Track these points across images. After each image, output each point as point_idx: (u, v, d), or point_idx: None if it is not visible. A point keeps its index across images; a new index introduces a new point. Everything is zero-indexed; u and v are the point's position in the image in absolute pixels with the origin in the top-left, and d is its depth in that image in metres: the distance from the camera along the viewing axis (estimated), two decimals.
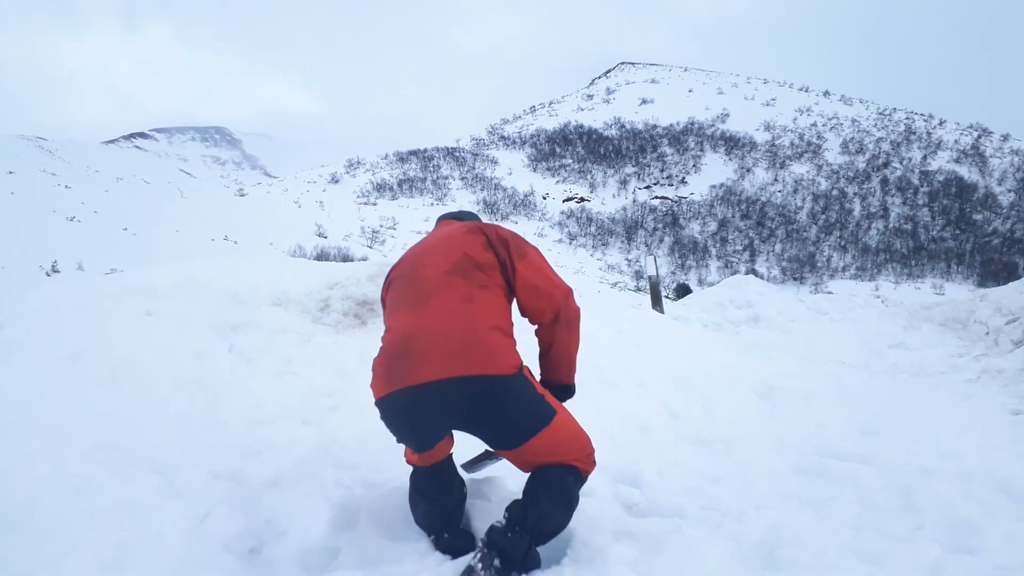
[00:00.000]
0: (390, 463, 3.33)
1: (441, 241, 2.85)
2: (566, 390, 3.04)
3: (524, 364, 2.66)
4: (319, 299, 4.91)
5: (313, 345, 4.42)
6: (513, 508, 2.64)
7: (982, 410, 5.26)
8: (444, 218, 3.28)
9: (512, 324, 2.74)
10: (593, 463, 2.88)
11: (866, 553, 2.40)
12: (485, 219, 3.45)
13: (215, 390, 3.74)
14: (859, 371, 7.49)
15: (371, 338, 4.73)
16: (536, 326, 2.87)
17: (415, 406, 2.54)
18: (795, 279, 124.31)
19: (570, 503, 2.72)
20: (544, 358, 2.94)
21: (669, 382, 5.47)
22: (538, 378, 2.92)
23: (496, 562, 2.45)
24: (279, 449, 3.35)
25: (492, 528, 2.56)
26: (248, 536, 2.76)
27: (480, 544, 2.53)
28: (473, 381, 2.47)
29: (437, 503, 2.81)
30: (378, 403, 2.66)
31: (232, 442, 3.35)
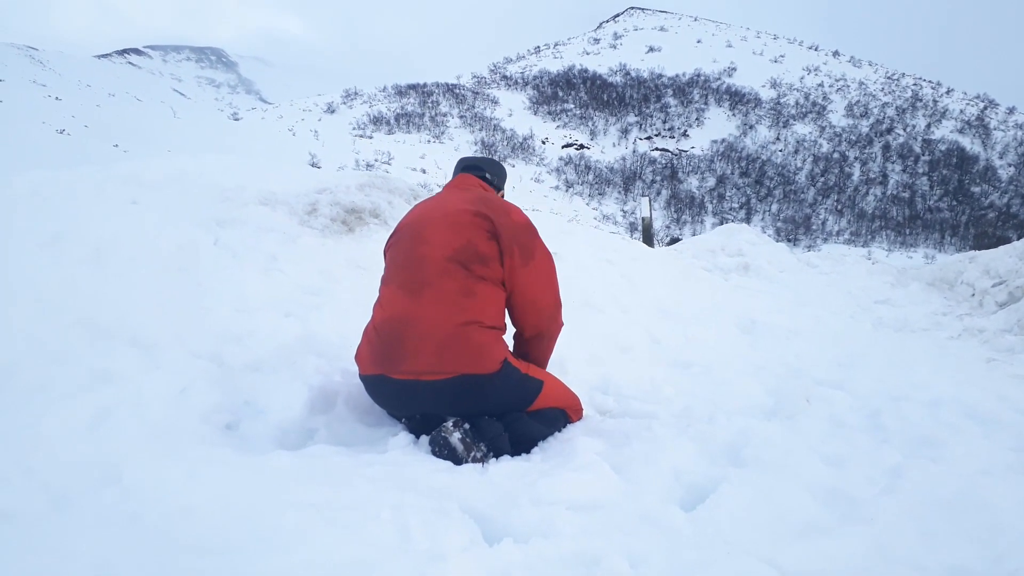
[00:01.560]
0: None
1: (448, 216, 2.76)
2: None
3: (508, 352, 2.72)
4: (307, 202, 4.87)
5: (299, 245, 4.39)
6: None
7: (959, 357, 5.32)
8: (463, 165, 3.20)
9: (503, 315, 2.79)
10: (581, 414, 3.03)
11: (830, 457, 2.44)
12: None
13: (199, 278, 3.72)
14: (843, 317, 7.54)
15: (358, 245, 4.72)
16: (517, 329, 2.95)
17: (402, 398, 2.67)
18: (789, 240, 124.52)
19: (553, 423, 2.84)
20: (518, 348, 3.00)
21: (653, 311, 5.50)
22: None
23: (466, 426, 2.50)
24: (260, 337, 3.35)
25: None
26: (226, 412, 2.78)
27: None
28: (459, 381, 2.54)
29: None
30: (364, 379, 2.76)
31: (214, 327, 3.35)
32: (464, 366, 2.53)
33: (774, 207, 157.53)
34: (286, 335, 3.41)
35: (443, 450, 2.50)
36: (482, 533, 1.84)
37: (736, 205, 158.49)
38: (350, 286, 4.11)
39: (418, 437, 2.69)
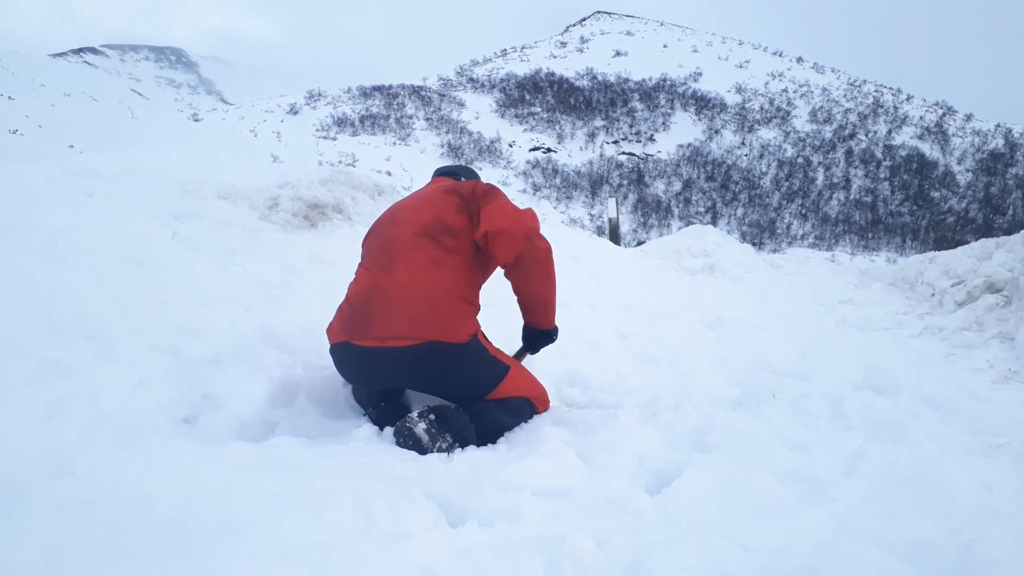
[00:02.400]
0: None
1: (420, 200, 2.84)
2: (547, 335, 2.99)
3: (479, 329, 2.71)
4: (268, 197, 4.80)
5: (260, 240, 4.33)
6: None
7: (919, 352, 5.42)
8: (439, 172, 3.25)
9: (477, 290, 2.78)
10: (547, 405, 3.00)
11: (794, 442, 2.46)
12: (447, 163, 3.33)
13: (156, 271, 3.64)
14: (807, 315, 7.64)
15: (320, 240, 4.66)
16: (503, 270, 2.79)
17: (367, 367, 2.66)
18: (754, 244, 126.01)
19: (520, 414, 2.82)
20: (520, 303, 2.89)
21: (620, 308, 5.52)
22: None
23: (432, 417, 2.47)
24: (220, 330, 3.29)
25: (436, 404, 2.61)
26: (184, 405, 2.71)
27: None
28: (425, 348, 2.53)
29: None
30: (332, 348, 2.76)
31: (172, 320, 3.27)
32: (433, 333, 2.53)
33: (739, 211, 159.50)
34: (245, 328, 3.35)
35: (408, 440, 2.47)
36: (446, 518, 1.82)
37: (702, 209, 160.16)
38: (312, 280, 4.06)
39: (382, 429, 2.66)
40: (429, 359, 2.56)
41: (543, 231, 2.88)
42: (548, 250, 2.75)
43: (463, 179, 3.13)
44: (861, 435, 2.51)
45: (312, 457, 2.23)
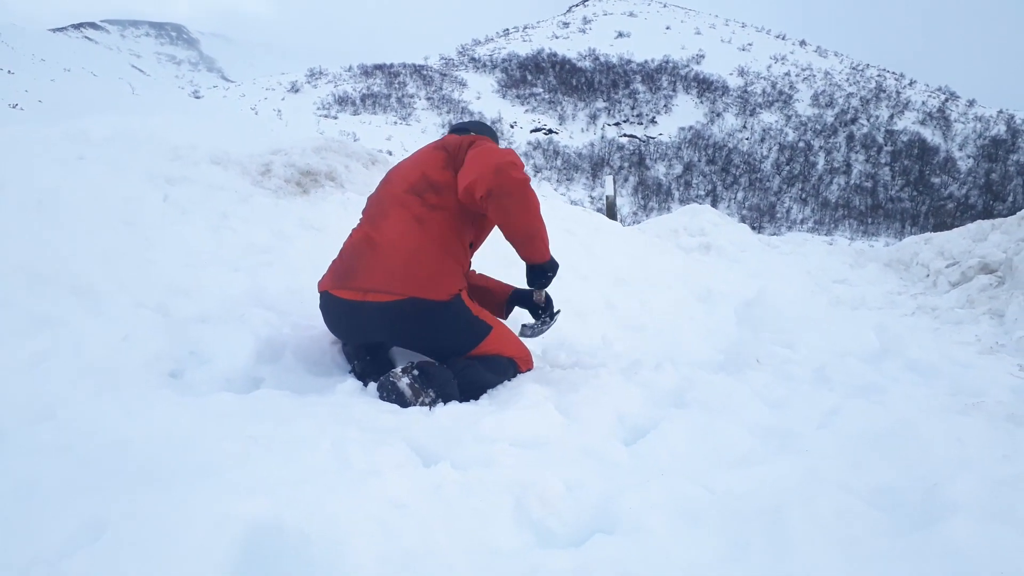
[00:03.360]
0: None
1: (414, 158, 2.90)
2: (542, 270, 2.87)
3: (463, 288, 2.70)
4: (261, 163, 4.79)
5: (251, 205, 4.32)
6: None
7: (908, 327, 5.44)
8: (453, 129, 3.17)
9: (463, 247, 2.77)
10: (531, 365, 3.01)
11: (772, 400, 2.49)
12: None
13: (146, 232, 3.65)
14: (800, 291, 7.66)
15: (312, 207, 4.66)
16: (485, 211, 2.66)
17: (350, 321, 2.71)
18: (754, 228, 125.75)
19: (504, 372, 2.84)
20: (510, 242, 2.76)
21: (611, 280, 5.53)
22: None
23: (415, 372, 2.49)
24: (208, 290, 3.30)
25: (420, 361, 2.62)
26: (170, 360, 2.73)
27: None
28: (406, 305, 2.55)
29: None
30: (320, 295, 2.82)
31: (160, 279, 3.28)
32: (414, 289, 2.55)
33: (740, 195, 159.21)
34: (234, 289, 3.36)
35: (391, 395, 2.49)
36: (423, 463, 1.84)
37: (702, 192, 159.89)
38: (302, 245, 4.06)
39: (366, 384, 2.67)
40: (409, 316, 2.58)
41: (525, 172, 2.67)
42: (522, 180, 2.58)
43: (473, 133, 3.07)
44: (840, 395, 2.53)
45: (293, 407, 2.25)
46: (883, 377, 2.88)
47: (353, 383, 2.63)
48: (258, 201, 4.41)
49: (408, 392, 2.48)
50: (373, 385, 2.62)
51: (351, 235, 2.84)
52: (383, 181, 2.96)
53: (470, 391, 2.67)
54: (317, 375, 2.87)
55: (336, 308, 2.71)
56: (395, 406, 2.42)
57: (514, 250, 2.79)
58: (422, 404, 2.48)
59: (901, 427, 2.00)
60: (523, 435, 2.08)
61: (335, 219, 4.52)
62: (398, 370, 2.54)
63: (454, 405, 2.51)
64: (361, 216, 2.94)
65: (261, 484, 1.45)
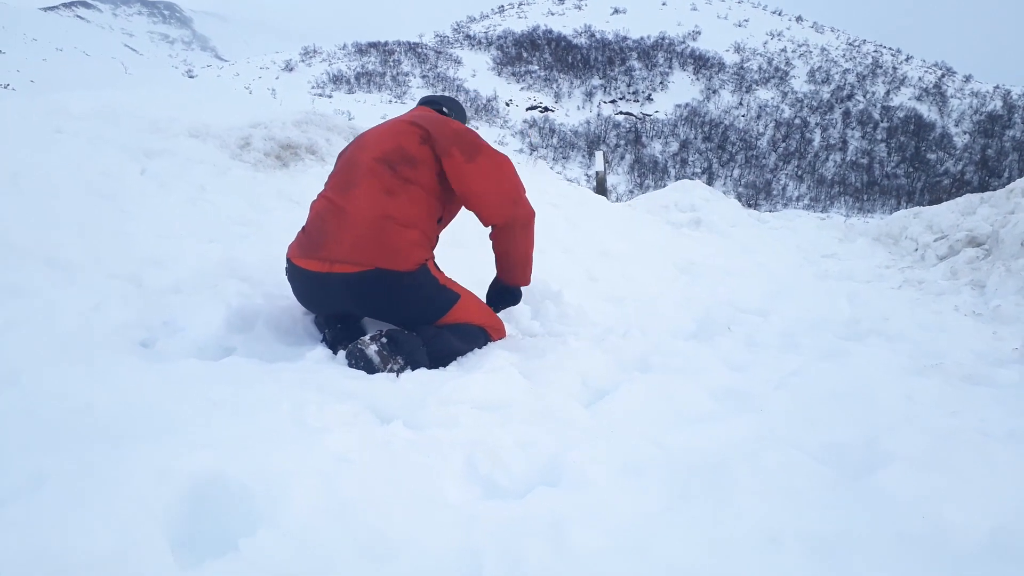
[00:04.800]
0: None
1: (387, 127, 2.87)
2: (518, 293, 3.13)
3: (429, 258, 2.73)
4: (240, 136, 4.77)
5: (229, 178, 4.32)
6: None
7: (888, 297, 5.46)
8: (423, 101, 3.23)
9: (433, 222, 2.77)
10: (502, 334, 3.03)
11: (736, 364, 2.52)
12: None
13: (122, 205, 3.64)
14: (786, 266, 7.68)
15: (291, 180, 4.65)
16: (488, 228, 2.90)
17: (317, 292, 2.72)
18: (750, 205, 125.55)
19: (474, 340, 2.85)
20: (498, 261, 2.99)
21: (595, 253, 5.53)
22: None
23: (384, 340, 2.50)
24: (182, 261, 3.30)
25: (389, 329, 2.63)
26: (141, 329, 2.74)
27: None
28: (371, 275, 2.56)
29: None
30: (287, 263, 2.80)
31: (135, 251, 3.29)
32: (378, 260, 2.55)
33: (736, 172, 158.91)
34: (209, 260, 3.36)
35: (359, 362, 2.51)
36: (380, 423, 1.86)
37: (699, 170, 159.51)
38: (280, 217, 4.06)
39: (336, 353, 2.69)
40: (375, 286, 2.59)
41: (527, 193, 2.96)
42: (533, 213, 2.91)
43: (444, 109, 3.14)
44: (804, 360, 2.55)
45: (259, 373, 2.26)
46: (850, 342, 2.90)
47: (322, 351, 2.65)
48: (236, 174, 4.40)
49: (376, 359, 2.49)
50: (343, 353, 2.63)
51: (318, 201, 2.82)
52: (354, 146, 2.91)
53: (439, 359, 2.69)
54: (288, 344, 2.88)
55: (302, 279, 2.72)
56: (362, 373, 2.43)
57: (500, 268, 3.01)
58: (390, 371, 2.50)
59: (856, 387, 2.03)
60: (485, 398, 2.11)
61: (314, 192, 4.47)
62: (366, 338, 2.55)
63: (421, 372, 2.52)
64: (328, 179, 2.92)
65: (210, 441, 1.47)
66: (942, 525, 1.16)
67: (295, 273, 2.75)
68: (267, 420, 1.70)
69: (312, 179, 4.71)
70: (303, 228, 2.83)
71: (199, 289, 3.12)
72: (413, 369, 2.57)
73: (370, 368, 2.48)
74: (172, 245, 3.45)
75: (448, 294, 2.75)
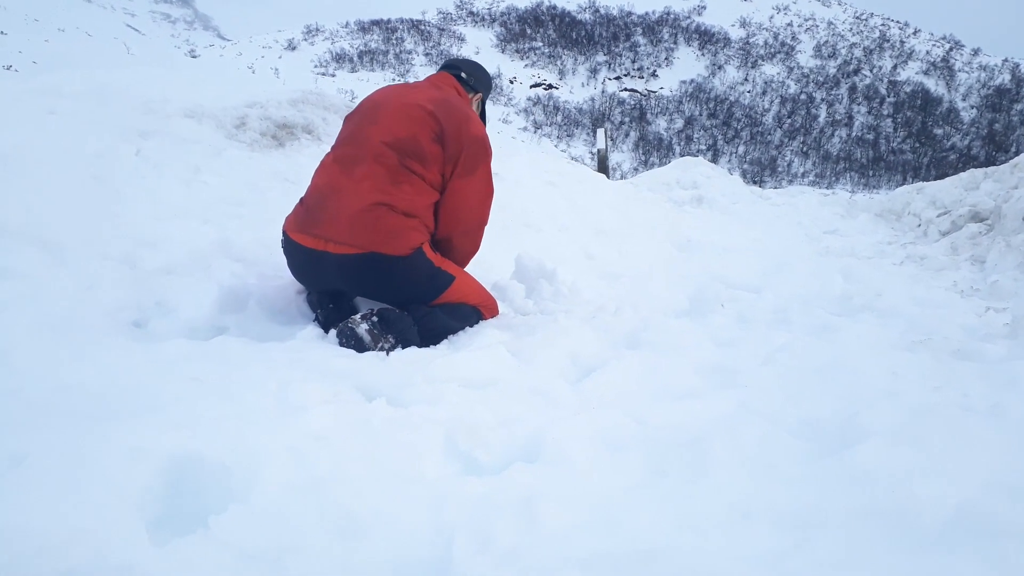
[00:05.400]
0: None
1: (405, 107, 2.77)
2: None
3: (424, 241, 2.71)
4: (235, 116, 4.76)
5: (225, 158, 4.30)
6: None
7: (887, 272, 5.44)
8: (444, 66, 3.20)
9: (429, 211, 2.76)
10: (495, 312, 3.04)
11: (724, 341, 2.52)
12: None
13: (116, 186, 3.64)
14: (785, 241, 7.65)
15: (287, 159, 4.64)
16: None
17: (311, 269, 2.73)
18: (755, 182, 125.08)
19: (466, 319, 2.86)
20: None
21: (592, 231, 5.52)
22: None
23: (375, 319, 2.51)
24: (176, 242, 3.30)
25: (381, 308, 2.64)
26: (133, 310, 2.75)
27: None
28: (367, 259, 2.56)
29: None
30: (283, 236, 2.80)
31: (128, 232, 3.29)
32: (375, 244, 2.55)
33: (741, 149, 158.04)
34: (203, 241, 3.36)
35: (350, 340, 2.52)
36: (366, 401, 1.87)
37: (703, 147, 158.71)
38: (275, 197, 4.05)
39: (328, 332, 2.70)
40: (370, 270, 2.60)
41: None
42: (474, 251, 3.06)
43: (464, 74, 3.11)
44: (793, 336, 2.55)
45: (249, 353, 2.28)
46: (842, 318, 2.90)
47: (313, 330, 2.66)
48: (232, 154, 4.39)
49: (367, 338, 2.50)
50: (334, 332, 2.64)
51: (318, 174, 2.80)
52: (369, 112, 2.83)
53: (431, 337, 2.70)
54: (281, 324, 2.89)
55: (297, 254, 2.72)
56: (352, 352, 2.44)
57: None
58: (381, 349, 2.51)
59: (841, 362, 2.03)
60: (473, 376, 2.11)
61: (310, 171, 4.48)
62: (357, 316, 2.56)
63: (412, 350, 2.54)
64: (336, 142, 2.89)
65: (191, 420, 1.48)
66: (910, 500, 1.17)
67: (289, 247, 2.75)
68: (251, 399, 1.71)
69: (308, 159, 4.70)
70: (301, 200, 2.82)
71: (192, 270, 3.12)
72: (404, 347, 2.58)
73: (361, 347, 2.49)
74: (166, 226, 3.45)
75: (443, 276, 2.76)
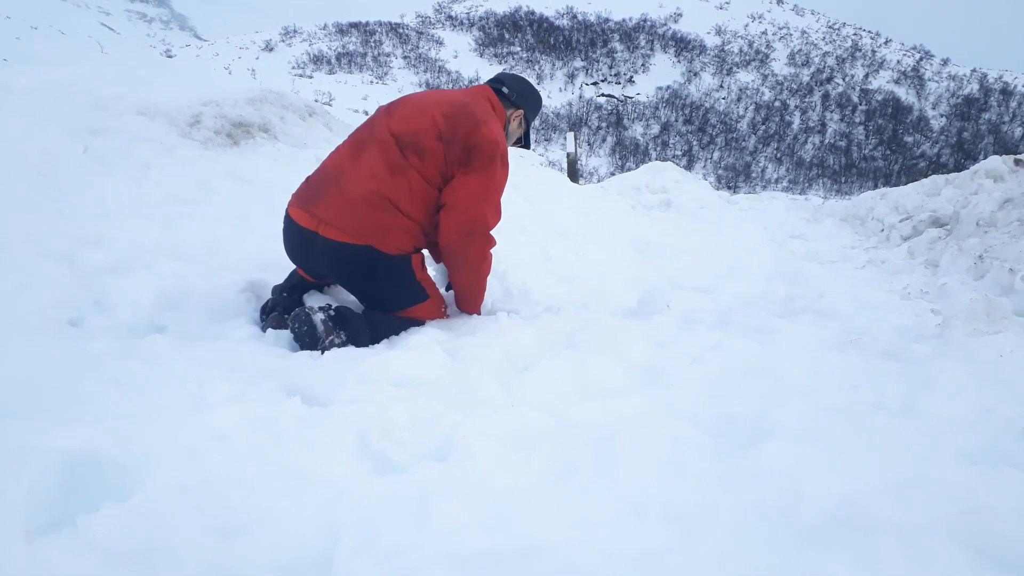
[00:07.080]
0: (239, 267, 3.29)
1: (425, 103, 2.80)
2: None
3: (415, 252, 2.72)
4: (190, 114, 4.71)
5: (176, 156, 4.26)
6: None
7: (845, 277, 5.50)
8: (492, 79, 3.16)
9: (425, 212, 2.72)
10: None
11: (660, 340, 2.54)
12: None
13: (61, 184, 3.58)
14: (746, 244, 7.72)
15: (241, 158, 4.60)
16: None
17: (298, 245, 2.71)
18: (729, 187, 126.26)
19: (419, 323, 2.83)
20: (451, 284, 3.01)
21: (552, 233, 5.53)
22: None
23: (332, 312, 2.50)
24: (120, 241, 3.26)
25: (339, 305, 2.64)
26: (70, 308, 2.70)
27: None
28: (361, 251, 2.57)
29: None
30: (286, 212, 2.78)
31: (70, 230, 3.23)
32: (364, 236, 2.56)
33: (716, 155, 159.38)
34: (146, 239, 3.32)
35: (303, 326, 2.49)
36: (285, 399, 1.84)
37: (679, 152, 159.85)
38: (226, 197, 4.02)
39: (265, 332, 2.67)
40: (361, 262, 2.60)
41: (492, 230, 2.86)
42: (483, 252, 2.81)
43: (505, 88, 3.06)
44: (726, 335, 2.57)
45: (177, 352, 2.24)
46: (782, 319, 2.93)
47: (249, 330, 2.63)
48: (184, 153, 4.34)
49: (321, 328, 2.48)
50: (271, 332, 2.62)
51: (333, 153, 2.82)
52: (396, 103, 2.86)
53: (378, 342, 2.68)
54: (220, 322, 2.85)
55: (291, 230, 2.72)
56: (284, 351, 2.42)
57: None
58: (331, 344, 2.49)
59: (768, 362, 2.05)
60: (404, 375, 2.11)
61: (264, 171, 4.48)
62: (315, 305, 2.55)
63: (349, 349, 2.52)
64: (355, 131, 2.89)
65: (95, 418, 1.46)
66: (795, 497, 1.18)
67: (287, 221, 2.75)
68: (163, 397, 1.68)
69: (263, 158, 4.67)
70: (308, 177, 2.83)
71: (133, 268, 3.08)
72: (356, 347, 2.56)
73: (313, 334, 2.47)
74: (110, 224, 3.40)
75: (420, 290, 2.76)
